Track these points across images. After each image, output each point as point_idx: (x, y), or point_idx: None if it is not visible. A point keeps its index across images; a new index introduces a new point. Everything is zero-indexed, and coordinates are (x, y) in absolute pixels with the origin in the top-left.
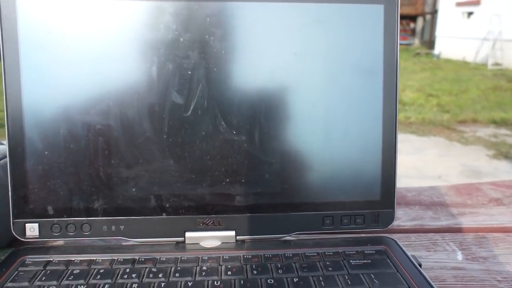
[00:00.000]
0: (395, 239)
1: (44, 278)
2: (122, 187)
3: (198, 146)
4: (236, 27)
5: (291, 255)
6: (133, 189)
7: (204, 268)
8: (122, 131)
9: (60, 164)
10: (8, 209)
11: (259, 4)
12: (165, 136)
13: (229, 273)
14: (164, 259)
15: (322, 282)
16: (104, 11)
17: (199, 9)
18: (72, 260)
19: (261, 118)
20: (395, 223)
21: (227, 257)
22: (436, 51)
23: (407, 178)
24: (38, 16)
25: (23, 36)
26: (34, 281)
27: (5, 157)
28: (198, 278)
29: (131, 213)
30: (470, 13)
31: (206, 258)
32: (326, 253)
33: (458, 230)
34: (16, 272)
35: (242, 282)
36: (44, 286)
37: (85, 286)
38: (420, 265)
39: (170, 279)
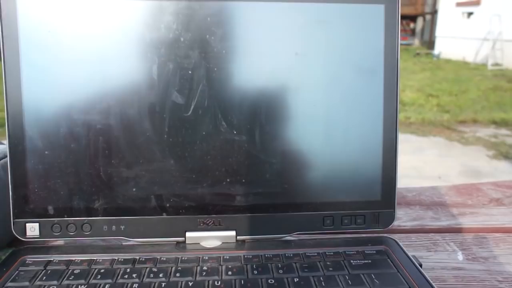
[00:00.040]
0: (396, 239)
1: (44, 278)
2: (123, 187)
3: (198, 146)
4: (237, 27)
5: (291, 255)
6: (134, 189)
7: (205, 268)
8: (123, 131)
9: (61, 164)
10: (8, 209)
11: (260, 4)
12: (165, 136)
13: (230, 273)
14: (164, 259)
15: (323, 282)
16: (104, 11)
17: (200, 8)
18: (72, 260)
19: (262, 118)
20: (396, 223)
21: (227, 257)
22: (436, 51)
23: (407, 178)
24: (39, 15)
25: (23, 35)
26: (35, 281)
27: (6, 156)
28: (198, 278)
29: (132, 213)
30: (470, 13)
31: (206, 258)
32: (327, 253)
33: (458, 230)
34: (17, 272)
35: (242, 282)
36: (44, 286)
37: (86, 286)
38: (420, 265)
39: (170, 279)
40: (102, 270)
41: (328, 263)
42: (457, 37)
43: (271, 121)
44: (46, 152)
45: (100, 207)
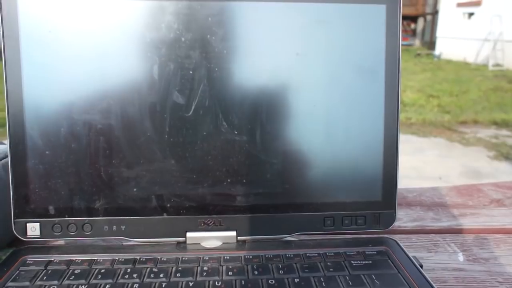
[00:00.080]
0: (396, 240)
1: (45, 277)
2: (123, 187)
3: (199, 146)
4: (238, 27)
5: (292, 255)
6: (134, 189)
7: (205, 268)
8: (123, 131)
9: (61, 164)
10: (9, 209)
11: (261, 4)
12: (166, 136)
13: (230, 273)
14: (165, 259)
15: (323, 283)
16: (105, 11)
17: (201, 8)
18: (73, 260)
19: (263, 118)
20: (396, 224)
21: (228, 258)
22: (436, 51)
23: (408, 179)
24: (40, 15)
25: (24, 35)
26: (35, 280)
27: (6, 156)
28: (199, 278)
29: (132, 213)
30: (471, 14)
31: (207, 258)
32: (327, 253)
33: (459, 231)
34: (17, 271)
35: (243, 283)
36: (45, 286)
37: (86, 286)
38: (421, 266)
39: (171, 279)
40: (102, 270)
41: (328, 263)
42: (458, 38)
43: (272, 121)
44: (46, 152)
45: (100, 207)
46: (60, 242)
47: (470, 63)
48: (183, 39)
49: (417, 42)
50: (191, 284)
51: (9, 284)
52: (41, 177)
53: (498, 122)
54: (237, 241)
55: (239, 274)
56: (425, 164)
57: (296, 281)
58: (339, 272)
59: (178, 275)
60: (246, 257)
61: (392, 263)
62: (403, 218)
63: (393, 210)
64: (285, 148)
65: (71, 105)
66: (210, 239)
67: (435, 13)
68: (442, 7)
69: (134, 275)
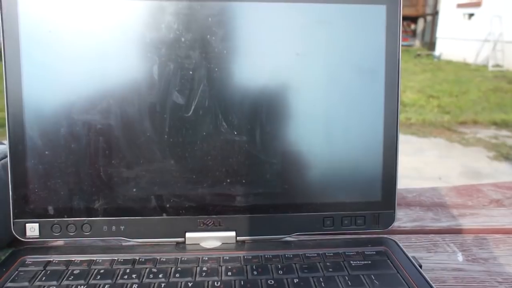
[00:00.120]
0: (396, 240)
1: (44, 278)
2: (123, 187)
3: (199, 146)
4: (238, 27)
5: (291, 256)
6: (134, 189)
7: (204, 268)
8: (123, 131)
9: (61, 164)
10: (8, 209)
11: (261, 4)
12: (166, 136)
13: (229, 273)
14: (164, 259)
15: (323, 283)
16: (105, 11)
17: (201, 9)
18: (72, 260)
19: (262, 118)
20: (396, 224)
21: (227, 258)
22: (436, 52)
23: (407, 179)
24: (40, 15)
25: (24, 35)
26: (34, 281)
27: (6, 156)
28: (198, 278)
29: (132, 213)
30: (471, 15)
31: (206, 258)
32: (327, 254)
33: (458, 231)
34: (16, 272)
35: (242, 283)
36: (44, 286)
37: (85, 286)
38: (420, 266)
39: (170, 279)
40: (101, 271)
41: (328, 263)
42: (458, 38)
43: (271, 122)
44: (46, 152)
45: (100, 207)
46: (59, 242)
47: (470, 63)
48: (183, 39)
49: (417, 42)
50: (190, 284)
51: (8, 284)
52: (41, 177)
53: (498, 123)
54: (237, 241)
55: (238, 274)
56: (425, 165)
57: (295, 281)
58: (339, 272)
59: (177, 275)
60: (245, 257)
61: (392, 263)
62: (403, 218)
63: (392, 210)
64: (284, 148)
65: (71, 105)
66: (209, 240)
67: (435, 13)
68: (442, 8)
69: (133, 276)
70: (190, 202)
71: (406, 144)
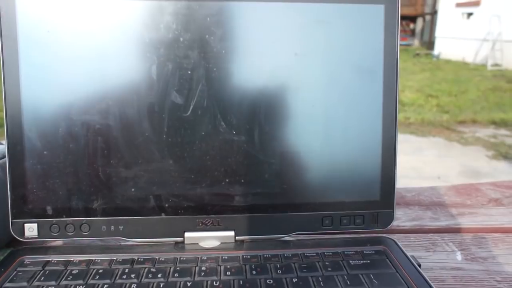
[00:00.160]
0: (395, 239)
1: (42, 278)
2: (121, 187)
3: (197, 146)
4: (236, 27)
5: (290, 255)
6: (132, 189)
7: (203, 268)
8: (122, 131)
9: (59, 164)
10: (7, 209)
11: (259, 4)
12: (164, 136)
13: (228, 273)
14: (163, 259)
15: (322, 283)
16: (104, 11)
17: (199, 8)
18: (71, 260)
19: (261, 118)
20: (395, 224)
21: (226, 257)
22: (435, 51)
23: (406, 178)
24: (38, 15)
25: (22, 35)
26: (33, 281)
27: (4, 156)
28: (197, 278)
29: (130, 213)
30: (469, 14)
31: (205, 258)
32: (326, 253)
33: (457, 230)
34: (15, 272)
35: (241, 283)
36: (42, 286)
37: (84, 286)
38: (419, 266)
39: (169, 279)
40: (100, 271)
41: (326, 263)
42: (456, 38)
43: (270, 121)
44: (44, 152)
45: (98, 207)
46: (58, 242)
47: (469, 63)
48: (181, 39)
49: (416, 42)
50: (189, 284)
51: (7, 284)
52: (39, 178)
53: (496, 122)
54: (235, 241)
55: (237, 274)
56: (424, 164)
57: (294, 280)
58: (337, 272)
59: (176, 275)
60: (244, 257)
61: (390, 262)
62: (402, 217)
63: (391, 209)
64: (283, 148)
65: (69, 105)
66: (208, 239)
67: (434, 13)
68: (441, 7)
69: (132, 275)
70: (189, 202)
71: (405, 143)
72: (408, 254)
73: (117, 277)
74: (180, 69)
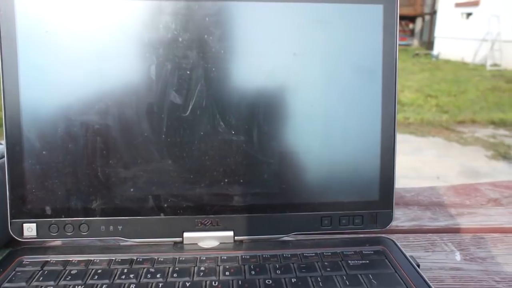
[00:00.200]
0: (394, 239)
1: (41, 278)
2: (120, 187)
3: (196, 146)
4: (235, 27)
5: (289, 255)
6: (131, 189)
7: (202, 268)
8: (120, 131)
9: (58, 164)
10: (5, 209)
11: (258, 4)
12: (163, 136)
13: (227, 273)
14: (162, 259)
15: (320, 283)
16: (102, 11)
17: (198, 9)
18: (69, 260)
19: (260, 118)
20: (394, 224)
21: (225, 258)
22: (435, 51)
23: (406, 178)
24: (36, 15)
25: (21, 35)
26: (32, 281)
27: (3, 156)
28: (196, 278)
29: (129, 213)
30: (469, 14)
31: (204, 258)
32: (324, 253)
33: (456, 230)
34: (14, 272)
35: (240, 283)
36: (41, 287)
37: (83, 286)
38: (418, 266)
39: (168, 279)
40: (99, 271)
41: (325, 263)
42: (456, 38)
43: (269, 122)
44: (43, 152)
45: (97, 207)
46: (57, 242)
47: (468, 63)
48: (180, 39)
49: (415, 42)
50: (188, 284)
51: (5, 285)
52: (38, 178)
53: (496, 122)
54: (234, 241)
55: (236, 274)
56: (423, 164)
57: (293, 281)
58: (336, 272)
59: (175, 275)
60: (243, 257)
61: (389, 262)
62: (401, 217)
63: (390, 209)
64: (282, 148)
65: (68, 106)
66: (207, 239)
67: (433, 13)
68: (440, 7)
69: (131, 276)
70: (188, 202)
71: (404, 143)
72: (407, 254)
73: (116, 277)
74: (179, 69)
